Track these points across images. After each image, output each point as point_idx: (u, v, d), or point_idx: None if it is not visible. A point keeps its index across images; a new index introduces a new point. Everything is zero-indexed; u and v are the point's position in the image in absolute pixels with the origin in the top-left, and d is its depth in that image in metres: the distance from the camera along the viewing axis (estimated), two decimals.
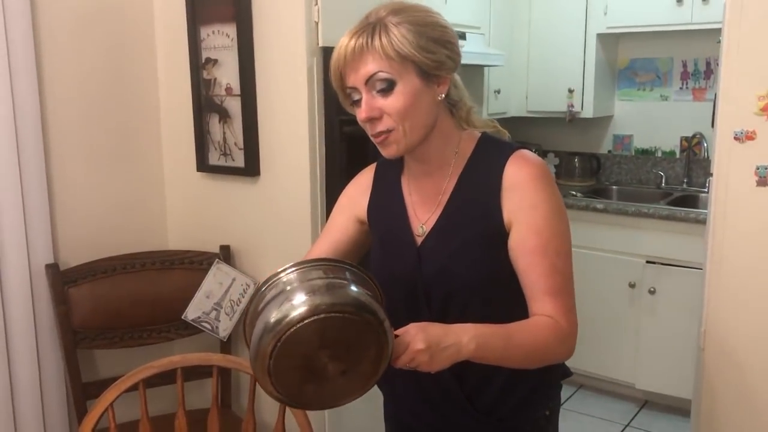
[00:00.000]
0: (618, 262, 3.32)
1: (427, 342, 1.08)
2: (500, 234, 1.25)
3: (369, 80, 1.18)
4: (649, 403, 3.43)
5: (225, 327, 2.34)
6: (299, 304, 1.04)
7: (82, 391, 2.17)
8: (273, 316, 1.04)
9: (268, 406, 2.29)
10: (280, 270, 1.13)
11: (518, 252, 1.23)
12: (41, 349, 2.17)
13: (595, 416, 3.33)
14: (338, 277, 1.12)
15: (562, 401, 3.42)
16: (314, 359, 1.05)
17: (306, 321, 1.02)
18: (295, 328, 1.02)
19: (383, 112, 1.19)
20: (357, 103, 1.22)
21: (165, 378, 2.06)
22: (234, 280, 2.35)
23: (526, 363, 1.23)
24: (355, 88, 1.21)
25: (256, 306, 1.13)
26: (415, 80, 1.19)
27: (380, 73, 1.17)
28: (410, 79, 1.18)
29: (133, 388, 1.56)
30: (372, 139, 1.25)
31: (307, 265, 1.13)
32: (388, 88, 1.18)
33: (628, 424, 3.26)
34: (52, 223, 2.19)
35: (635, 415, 3.35)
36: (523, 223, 1.23)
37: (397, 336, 1.08)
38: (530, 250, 1.22)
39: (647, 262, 3.24)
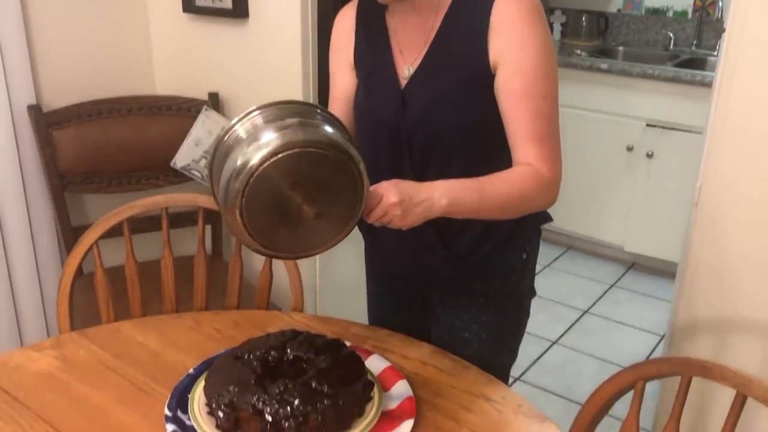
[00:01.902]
0: (617, 124, 3.26)
1: (400, 196, 1.06)
2: (486, 76, 1.19)
3: None
4: (636, 265, 3.49)
5: None
6: (270, 141, 0.98)
7: (72, 234, 2.16)
8: (242, 155, 0.99)
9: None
10: (242, 115, 1.05)
11: (502, 94, 1.18)
12: (29, 194, 2.15)
13: (582, 276, 3.40)
14: (309, 118, 1.07)
15: (549, 261, 3.53)
16: (287, 200, 1.02)
17: (279, 155, 0.98)
18: (267, 163, 0.98)
19: None
20: None
21: (153, 224, 2.07)
22: (223, 128, 2.29)
23: (503, 214, 1.21)
24: None
25: (222, 153, 1.07)
26: None
27: None
28: None
29: (120, 233, 1.55)
30: None
31: (271, 106, 1.05)
32: None
33: (613, 285, 3.33)
34: (32, 64, 2.10)
35: (622, 275, 3.42)
36: (509, 63, 1.17)
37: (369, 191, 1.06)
38: (514, 92, 1.17)
39: (647, 125, 3.18)
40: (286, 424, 1.03)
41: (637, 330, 2.96)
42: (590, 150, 3.35)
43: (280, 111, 1.05)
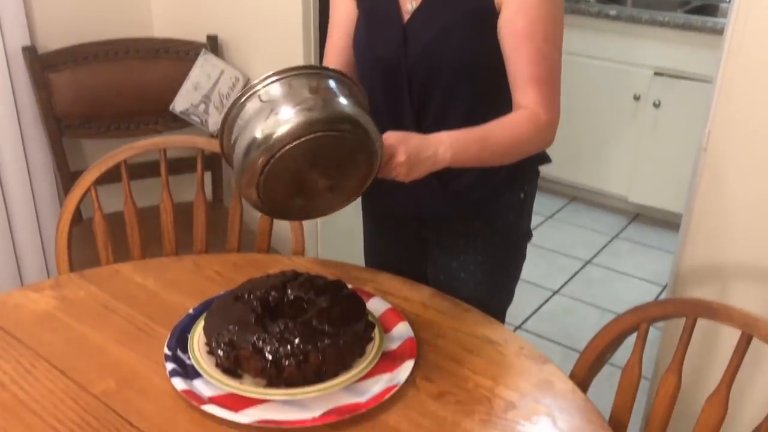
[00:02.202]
0: (624, 73, 3.20)
1: (408, 154, 1.07)
2: (490, 14, 1.17)
3: None
4: (639, 216, 3.47)
5: (214, 121, 2.28)
6: (293, 121, 0.97)
7: (71, 179, 2.14)
8: (260, 130, 0.98)
9: None
10: (259, 80, 1.03)
11: (505, 34, 1.17)
12: (26, 138, 2.12)
13: (584, 227, 3.38)
14: (324, 88, 1.05)
15: (552, 213, 3.51)
16: (304, 175, 1.04)
17: (302, 139, 0.98)
18: (289, 146, 0.98)
19: None
20: None
21: (151, 169, 2.05)
22: (222, 72, 2.25)
23: (504, 160, 1.22)
24: None
25: (236, 115, 1.04)
26: None
27: None
28: None
29: (118, 179, 1.53)
30: None
31: (288, 74, 1.03)
32: None
33: (616, 236, 3.32)
34: (26, 5, 2.05)
35: (625, 227, 3.40)
36: (513, 2, 1.15)
37: None
38: (517, 32, 1.16)
39: (655, 74, 3.12)
40: (287, 363, 1.03)
41: (639, 280, 2.96)
42: (596, 99, 3.30)
43: (301, 80, 1.03)
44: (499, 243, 1.38)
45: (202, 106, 2.27)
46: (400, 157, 1.07)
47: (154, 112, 2.25)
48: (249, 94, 1.03)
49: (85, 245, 1.97)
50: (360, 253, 1.63)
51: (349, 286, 1.23)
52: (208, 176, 2.33)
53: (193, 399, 1.02)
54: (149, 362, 1.12)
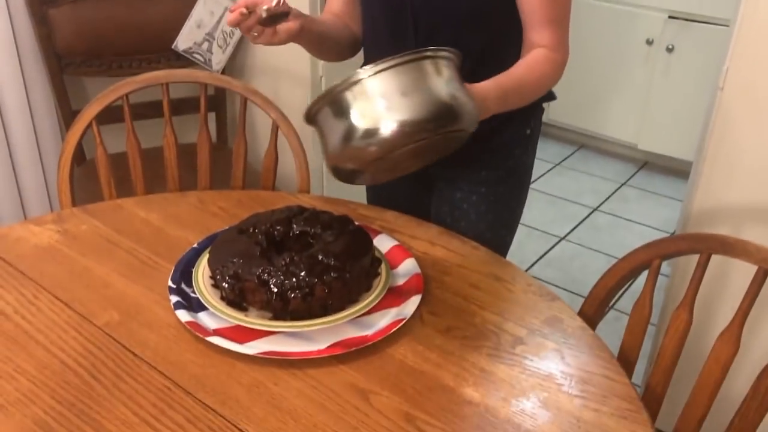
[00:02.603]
0: (637, 16, 3.12)
1: None
2: None
3: None
4: (648, 164, 3.43)
5: (218, 60, 2.23)
6: (405, 123, 0.93)
7: (72, 118, 2.09)
8: (378, 121, 0.93)
9: (261, 130, 2.25)
10: (378, 64, 0.94)
11: None
12: (27, 75, 2.08)
13: (593, 174, 3.34)
14: (439, 77, 0.97)
15: (560, 160, 3.47)
16: (403, 161, 1.03)
17: (411, 146, 0.96)
18: (398, 151, 0.96)
19: None
20: None
21: (154, 109, 2.01)
22: (226, 9, 2.19)
23: (525, 102, 1.22)
24: None
25: (344, 92, 0.96)
26: None
27: None
28: None
29: (120, 119, 1.49)
30: None
31: (406, 59, 0.95)
32: None
33: (624, 183, 3.28)
34: None
35: (633, 174, 3.36)
36: None
37: None
38: None
39: (669, 17, 3.03)
40: (292, 296, 1.01)
41: (646, 228, 2.94)
42: (607, 44, 3.22)
43: (417, 68, 0.96)
44: (504, 177, 1.37)
45: (206, 45, 2.22)
46: None
47: (157, 50, 2.20)
48: (362, 78, 0.95)
49: (89, 185, 1.96)
50: (365, 194, 1.61)
51: (356, 223, 1.21)
52: (212, 118, 2.29)
53: (197, 331, 1.01)
54: (153, 295, 1.10)
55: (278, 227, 1.14)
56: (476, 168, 1.35)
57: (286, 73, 2.23)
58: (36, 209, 2.21)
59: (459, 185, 1.37)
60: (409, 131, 0.93)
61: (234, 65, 2.33)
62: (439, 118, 0.94)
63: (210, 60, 2.23)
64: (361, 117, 0.94)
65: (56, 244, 1.22)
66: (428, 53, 0.96)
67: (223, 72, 2.25)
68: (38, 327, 1.02)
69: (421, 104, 0.94)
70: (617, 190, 3.23)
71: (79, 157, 2.14)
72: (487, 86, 1.08)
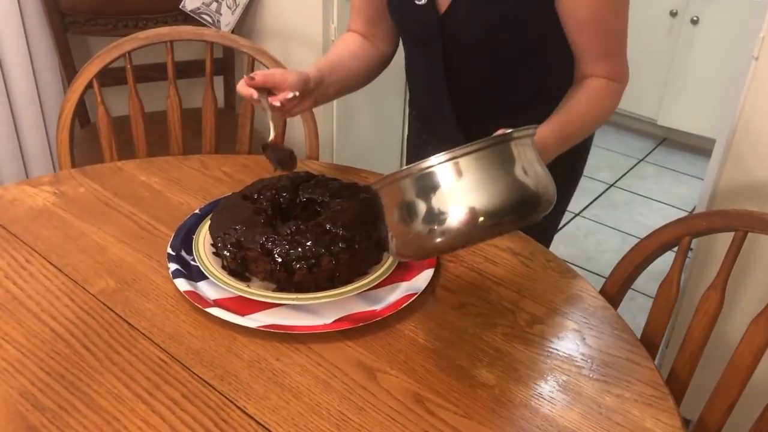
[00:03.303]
0: None
1: None
2: (542, 4, 1.07)
3: None
4: (667, 140, 3.34)
5: (227, 21, 2.16)
6: (481, 223, 0.79)
7: None
8: (447, 215, 0.79)
9: None
10: (448, 156, 0.80)
11: (568, 20, 1.07)
12: (29, 34, 2.01)
13: (610, 149, 3.26)
14: (512, 166, 0.82)
15: None
16: None
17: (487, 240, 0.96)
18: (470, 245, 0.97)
19: None
20: None
21: (158, 71, 1.94)
22: None
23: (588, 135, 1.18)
24: None
25: (411, 188, 0.82)
26: None
27: None
28: None
29: (123, 81, 1.42)
30: None
31: (463, 154, 0.80)
32: None
33: (642, 159, 3.20)
34: None
35: (652, 150, 3.27)
36: None
37: None
38: (581, 20, 1.06)
39: None
40: (297, 266, 0.95)
41: (664, 205, 2.86)
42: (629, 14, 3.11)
43: (488, 157, 0.81)
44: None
45: (214, 5, 2.15)
46: None
47: (164, 10, 2.13)
48: (440, 163, 0.80)
49: (91, 147, 1.90)
50: (376, 163, 1.54)
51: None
52: (219, 81, 2.22)
53: (197, 301, 0.95)
54: (151, 262, 1.05)
55: (284, 194, 1.08)
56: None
57: (298, 37, 2.15)
58: (38, 171, 2.15)
59: None
60: (490, 225, 0.81)
61: (243, 27, 2.26)
62: (521, 208, 0.82)
63: (219, 21, 2.15)
64: (438, 213, 0.81)
65: (52, 207, 1.16)
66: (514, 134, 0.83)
67: (232, 33, 2.17)
68: (29, 293, 0.97)
69: (506, 196, 0.81)
70: (635, 166, 3.14)
71: (83, 117, 2.07)
72: (545, 135, 1.02)
